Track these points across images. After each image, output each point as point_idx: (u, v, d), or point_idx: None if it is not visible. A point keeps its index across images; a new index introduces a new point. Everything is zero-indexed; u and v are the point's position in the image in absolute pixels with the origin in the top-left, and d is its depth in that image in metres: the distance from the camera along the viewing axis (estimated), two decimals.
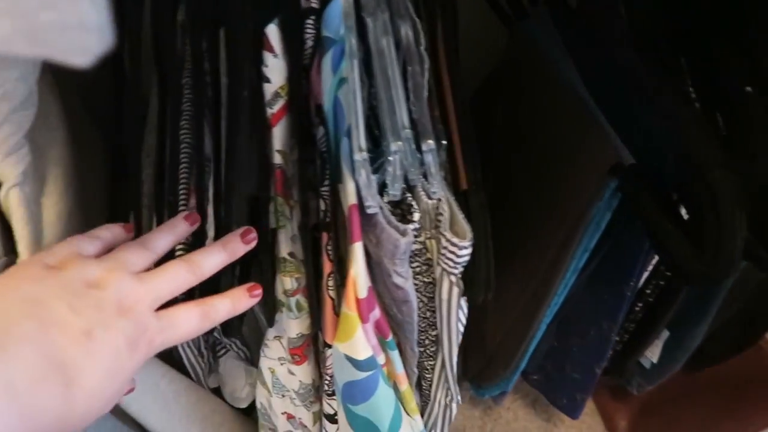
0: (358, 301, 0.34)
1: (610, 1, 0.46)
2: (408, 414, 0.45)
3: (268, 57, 0.35)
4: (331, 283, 0.37)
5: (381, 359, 0.40)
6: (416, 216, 0.35)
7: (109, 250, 0.33)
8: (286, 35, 0.35)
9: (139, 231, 0.40)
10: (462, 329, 0.41)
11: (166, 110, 0.41)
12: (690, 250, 0.34)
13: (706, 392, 0.79)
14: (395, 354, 0.41)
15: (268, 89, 0.35)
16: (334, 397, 0.43)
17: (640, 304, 0.58)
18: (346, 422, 0.41)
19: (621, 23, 0.45)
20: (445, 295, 0.38)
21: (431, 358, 0.47)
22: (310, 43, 0.37)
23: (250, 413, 0.57)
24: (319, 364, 0.46)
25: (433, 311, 0.42)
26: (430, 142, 0.34)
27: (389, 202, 0.35)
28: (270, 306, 0.41)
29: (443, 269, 0.37)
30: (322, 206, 0.37)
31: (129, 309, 0.28)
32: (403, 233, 0.33)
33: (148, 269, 0.32)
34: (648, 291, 0.56)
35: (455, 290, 0.38)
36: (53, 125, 0.39)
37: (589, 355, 0.58)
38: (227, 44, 0.36)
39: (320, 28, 0.36)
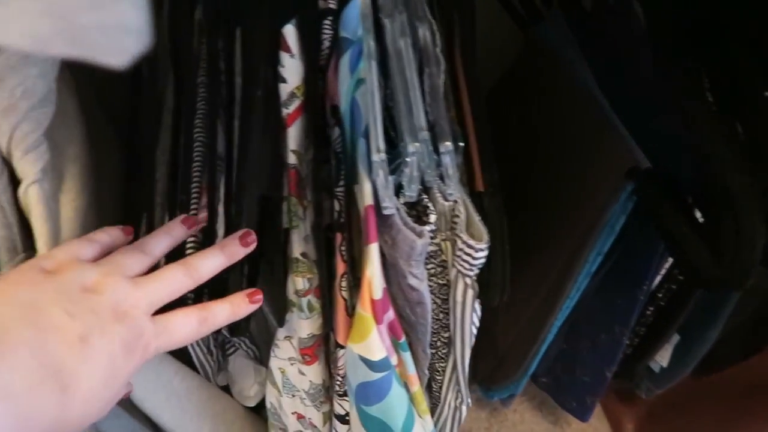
0: (373, 302, 0.34)
1: (626, 3, 0.46)
2: (419, 415, 0.45)
3: (284, 57, 0.35)
4: (344, 283, 0.37)
5: (393, 360, 0.40)
6: (432, 217, 0.35)
7: (108, 252, 0.32)
8: (303, 36, 0.35)
9: (150, 230, 0.40)
10: (475, 332, 0.41)
11: (181, 109, 0.41)
12: (708, 256, 0.34)
13: (714, 397, 0.79)
14: (407, 355, 0.41)
15: (284, 89, 0.35)
16: (345, 398, 0.43)
17: (652, 308, 0.58)
18: (359, 423, 0.41)
19: (637, 25, 0.45)
20: (459, 297, 0.38)
21: (442, 360, 0.47)
22: (327, 43, 0.37)
23: (259, 411, 0.57)
24: (329, 364, 0.46)
25: (447, 313, 0.42)
26: (448, 143, 0.34)
27: (405, 203, 0.35)
28: (281, 306, 0.41)
29: (458, 271, 0.37)
30: (337, 207, 0.36)
31: (125, 314, 0.28)
32: (420, 234, 0.33)
33: (146, 273, 0.32)
34: (660, 295, 0.56)
35: (470, 292, 0.37)
36: (71, 123, 0.39)
37: (600, 359, 0.58)
38: (243, 44, 0.37)
39: (338, 29, 0.36)
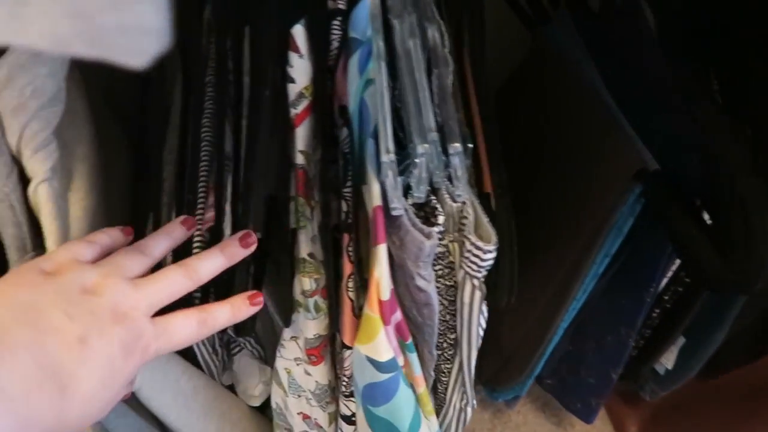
0: (380, 303, 0.34)
1: (634, 3, 0.45)
2: (425, 416, 0.45)
3: (293, 57, 0.35)
4: (351, 284, 0.37)
5: (400, 361, 0.39)
6: (441, 219, 0.35)
7: (108, 253, 0.32)
8: (312, 36, 0.35)
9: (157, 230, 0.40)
10: (482, 333, 0.41)
11: (189, 108, 0.41)
12: (717, 259, 0.34)
13: (719, 400, 0.79)
14: (414, 356, 0.41)
15: (293, 89, 0.35)
16: (351, 399, 0.43)
17: (658, 310, 0.58)
18: (366, 424, 0.41)
19: (645, 26, 0.44)
20: (467, 299, 0.38)
21: (448, 362, 0.47)
22: (335, 44, 0.37)
23: (263, 411, 0.57)
24: (335, 365, 0.46)
25: (453, 314, 0.42)
26: (457, 145, 0.34)
27: (413, 204, 0.35)
28: (287, 306, 0.41)
29: (466, 272, 0.37)
30: (344, 207, 0.36)
31: (124, 315, 0.28)
32: (428, 236, 0.33)
33: (146, 274, 0.32)
34: (666, 297, 0.56)
35: (477, 294, 0.37)
36: (80, 122, 0.39)
37: (606, 361, 0.58)
38: (252, 43, 0.36)
39: (347, 29, 0.36)
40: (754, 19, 0.38)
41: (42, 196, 0.33)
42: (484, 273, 0.36)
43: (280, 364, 0.46)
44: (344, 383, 0.42)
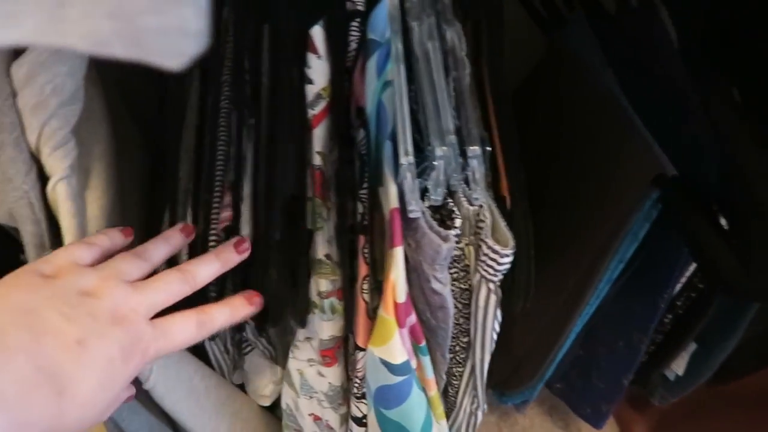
0: (396, 305, 0.34)
1: (651, 6, 0.45)
2: (435, 420, 0.45)
3: (311, 58, 0.35)
4: (365, 286, 0.37)
5: (413, 364, 0.39)
6: (458, 222, 0.35)
7: (107, 256, 0.32)
8: (330, 37, 0.35)
9: None
10: (495, 337, 0.41)
11: (206, 107, 0.41)
12: (737, 266, 0.34)
13: (728, 407, 0.78)
14: (426, 360, 0.41)
15: (311, 90, 0.35)
16: (363, 400, 0.43)
17: (670, 316, 0.57)
18: (377, 426, 0.41)
19: (662, 30, 0.44)
20: (482, 303, 0.38)
21: (460, 365, 0.47)
22: (354, 45, 0.36)
23: (273, 411, 0.57)
24: (347, 366, 0.46)
25: (467, 318, 0.41)
26: (476, 148, 0.34)
27: (429, 207, 0.35)
28: (303, 307, 0.40)
29: (482, 276, 0.37)
30: (360, 209, 0.36)
31: (123, 318, 0.28)
32: (445, 239, 0.33)
33: (143, 279, 0.32)
34: (679, 303, 0.56)
35: (493, 298, 0.37)
36: (97, 121, 0.39)
37: (617, 366, 0.58)
38: (271, 44, 0.36)
39: (365, 30, 0.36)
40: None
41: (61, 194, 0.33)
42: (500, 277, 0.36)
43: (292, 365, 0.46)
44: (356, 385, 0.42)
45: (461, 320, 0.42)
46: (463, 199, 0.36)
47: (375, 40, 0.36)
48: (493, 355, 0.43)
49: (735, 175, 0.35)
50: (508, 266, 0.35)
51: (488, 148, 0.35)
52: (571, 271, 0.48)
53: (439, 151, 0.33)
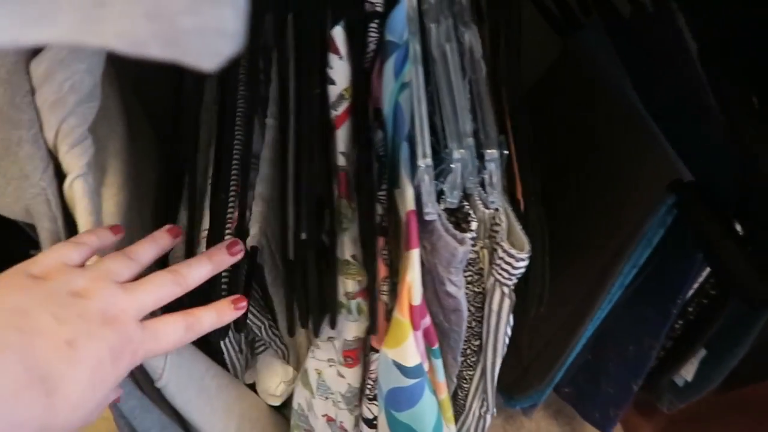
0: (411, 307, 0.34)
1: (668, 12, 0.45)
2: (445, 423, 0.45)
3: (333, 59, 0.35)
4: (385, 288, 0.37)
5: (425, 367, 0.39)
6: (474, 225, 0.34)
7: (96, 255, 0.32)
8: (351, 38, 0.35)
9: (191, 228, 0.40)
10: (507, 341, 0.41)
11: (222, 107, 0.41)
12: (755, 273, 0.34)
13: (737, 413, 0.77)
14: (438, 362, 0.40)
15: (333, 91, 0.35)
16: (374, 402, 0.43)
17: (681, 322, 0.57)
18: (387, 428, 0.41)
19: (680, 35, 0.44)
20: (495, 306, 0.38)
21: (470, 369, 0.47)
22: (372, 46, 0.36)
23: (281, 411, 0.57)
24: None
25: (479, 321, 0.41)
26: (494, 151, 0.34)
27: (444, 210, 0.35)
28: (332, 308, 0.40)
29: (496, 280, 0.37)
30: (380, 210, 0.36)
31: (114, 319, 0.28)
32: (461, 242, 0.33)
33: (133, 280, 0.32)
34: (690, 309, 0.55)
35: (507, 302, 0.37)
36: (113, 118, 0.39)
37: (627, 371, 0.57)
38: (294, 44, 0.36)
39: (383, 32, 0.36)
40: None
41: (77, 191, 0.33)
42: (515, 281, 0.36)
43: (311, 364, 0.46)
44: (369, 386, 0.42)
45: (473, 324, 0.42)
46: (479, 202, 0.36)
47: (393, 41, 0.36)
48: (503, 359, 0.43)
49: (753, 182, 0.35)
50: (523, 270, 0.35)
51: (506, 152, 0.35)
52: (584, 275, 0.48)
53: (457, 153, 0.33)
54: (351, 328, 0.40)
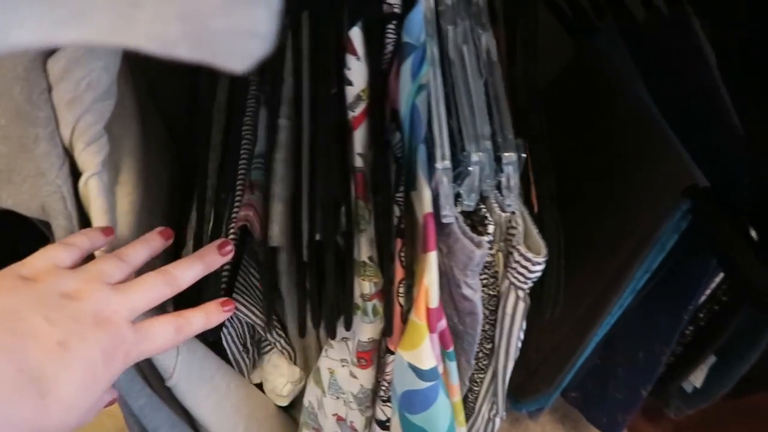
0: (428, 310, 0.34)
1: (684, 16, 0.45)
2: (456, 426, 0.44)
3: (351, 59, 0.34)
4: (401, 290, 0.37)
5: (440, 369, 0.39)
6: (491, 228, 0.34)
7: (86, 256, 0.32)
8: (368, 39, 0.35)
9: (200, 225, 0.40)
10: (520, 345, 0.41)
11: (232, 106, 0.41)
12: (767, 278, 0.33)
13: (745, 421, 0.77)
14: (453, 365, 0.40)
15: (351, 92, 0.35)
16: (388, 404, 0.43)
17: (691, 328, 0.56)
18: (400, 430, 0.41)
19: (695, 39, 0.44)
20: (509, 310, 0.38)
21: (481, 372, 0.46)
22: (389, 48, 0.36)
23: (288, 410, 0.57)
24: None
25: (492, 324, 0.41)
26: (512, 154, 0.33)
27: (461, 212, 0.35)
28: (347, 309, 0.40)
29: (511, 283, 0.36)
30: (397, 212, 0.36)
31: (106, 320, 0.28)
32: (479, 245, 0.33)
33: (124, 282, 0.32)
34: (701, 315, 0.55)
35: (521, 305, 0.37)
36: (127, 116, 0.39)
37: (637, 376, 0.57)
38: (311, 45, 0.36)
39: (401, 33, 0.36)
40: None
41: (93, 189, 0.33)
42: (530, 285, 0.36)
43: (323, 363, 0.46)
44: (383, 388, 0.42)
45: (486, 327, 0.41)
46: (495, 205, 0.36)
47: (410, 43, 0.35)
48: None
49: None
50: (539, 274, 0.35)
51: (524, 155, 0.34)
52: (596, 279, 0.48)
53: (475, 156, 0.32)
54: (366, 329, 0.40)
